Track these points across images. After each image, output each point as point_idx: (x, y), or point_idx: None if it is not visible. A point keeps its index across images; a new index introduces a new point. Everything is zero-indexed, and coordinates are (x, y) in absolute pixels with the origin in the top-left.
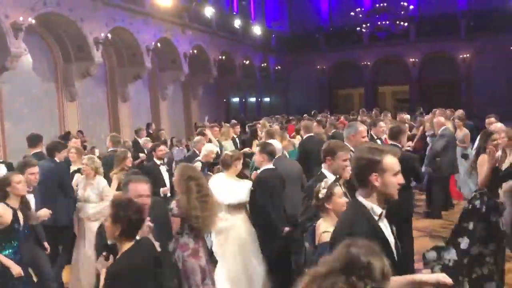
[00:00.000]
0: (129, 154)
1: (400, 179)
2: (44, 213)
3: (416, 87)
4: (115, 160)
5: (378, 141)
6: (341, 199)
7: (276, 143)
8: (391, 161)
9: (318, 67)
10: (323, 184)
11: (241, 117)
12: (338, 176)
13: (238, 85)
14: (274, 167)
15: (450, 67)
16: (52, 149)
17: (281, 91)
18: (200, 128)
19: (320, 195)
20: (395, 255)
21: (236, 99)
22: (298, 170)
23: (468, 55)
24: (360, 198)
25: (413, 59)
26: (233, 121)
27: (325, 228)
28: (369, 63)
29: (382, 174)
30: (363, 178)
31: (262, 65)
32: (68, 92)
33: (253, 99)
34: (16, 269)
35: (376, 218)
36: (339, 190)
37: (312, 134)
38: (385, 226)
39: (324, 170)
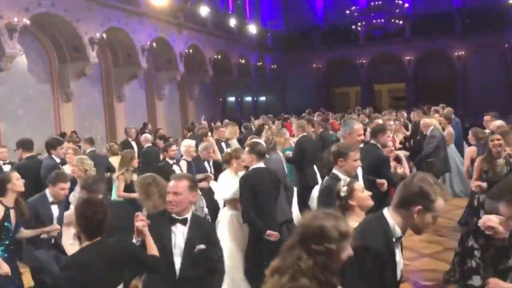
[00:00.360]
0: (136, 155)
1: (431, 220)
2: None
3: (412, 85)
4: (120, 161)
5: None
6: (363, 193)
7: None
8: (441, 205)
9: (314, 65)
10: (342, 182)
11: (237, 116)
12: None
13: (234, 84)
14: (264, 166)
15: (446, 64)
16: (47, 146)
17: (277, 90)
18: (203, 129)
19: (342, 193)
20: (398, 275)
21: (232, 99)
22: (281, 174)
23: (463, 52)
24: (388, 217)
25: (409, 57)
26: (226, 121)
27: (353, 225)
28: (365, 61)
29: (425, 212)
30: (406, 206)
31: (258, 64)
32: (63, 93)
33: (249, 99)
34: (4, 268)
35: (394, 240)
36: (359, 185)
37: (306, 133)
38: (398, 249)
39: (336, 171)
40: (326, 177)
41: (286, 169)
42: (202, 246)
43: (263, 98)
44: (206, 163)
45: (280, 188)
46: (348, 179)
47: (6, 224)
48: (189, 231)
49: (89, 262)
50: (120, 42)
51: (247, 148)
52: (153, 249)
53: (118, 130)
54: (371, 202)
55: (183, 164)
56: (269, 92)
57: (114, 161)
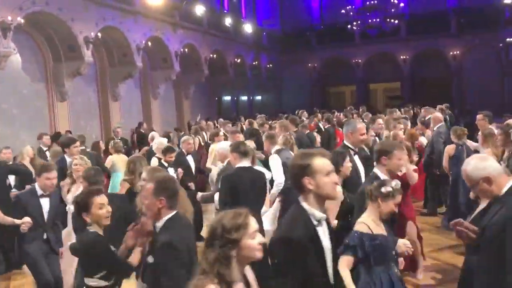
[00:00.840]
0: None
1: (334, 178)
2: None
3: (408, 84)
4: (129, 166)
5: (377, 138)
6: (394, 207)
7: (226, 145)
8: (319, 163)
9: (310, 65)
10: (394, 183)
11: (233, 116)
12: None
13: (230, 83)
14: (249, 165)
15: (441, 63)
16: (62, 146)
17: (273, 90)
18: (213, 130)
19: (383, 189)
20: (327, 259)
21: (228, 98)
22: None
23: (458, 51)
24: (304, 204)
25: (404, 56)
26: (221, 120)
27: (364, 220)
28: (360, 61)
29: (314, 176)
30: (298, 184)
31: (254, 63)
32: (58, 92)
33: (245, 98)
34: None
35: (315, 223)
36: (399, 197)
37: (288, 132)
38: (323, 231)
39: (377, 170)
40: (368, 178)
41: None
42: (150, 260)
43: (259, 98)
44: (189, 157)
45: (265, 190)
46: (399, 183)
47: None
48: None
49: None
50: (115, 41)
51: (230, 147)
52: (135, 258)
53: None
54: (391, 212)
55: (154, 161)
56: (265, 91)
57: (118, 160)
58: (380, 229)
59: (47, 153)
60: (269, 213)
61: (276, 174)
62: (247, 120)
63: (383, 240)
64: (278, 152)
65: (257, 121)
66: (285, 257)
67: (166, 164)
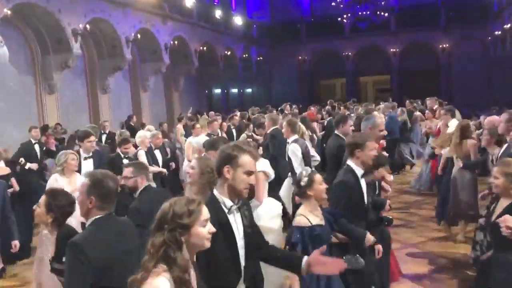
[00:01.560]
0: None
1: (252, 180)
2: None
3: (397, 77)
4: None
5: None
6: (321, 186)
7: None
8: (247, 160)
9: (300, 57)
10: (304, 172)
11: (223, 108)
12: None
13: (220, 76)
14: None
15: (430, 56)
16: (78, 139)
17: (263, 82)
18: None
19: (302, 183)
20: (238, 244)
21: (218, 90)
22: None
23: (447, 44)
24: (215, 192)
25: (394, 49)
26: (212, 113)
27: (302, 212)
28: (350, 54)
29: (235, 168)
30: (219, 170)
31: (244, 55)
32: (46, 85)
33: (235, 90)
34: None
35: (226, 210)
36: (319, 177)
37: (277, 126)
38: (234, 218)
39: (351, 163)
40: (340, 170)
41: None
42: None
43: (249, 90)
44: (157, 151)
45: None
46: (309, 170)
47: None
48: None
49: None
50: (104, 33)
51: (206, 146)
52: None
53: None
54: (325, 196)
55: (141, 153)
56: (255, 83)
57: None
58: (318, 219)
59: (36, 146)
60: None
61: (296, 164)
62: (239, 113)
63: (321, 230)
64: (295, 141)
65: (251, 112)
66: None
67: (122, 156)
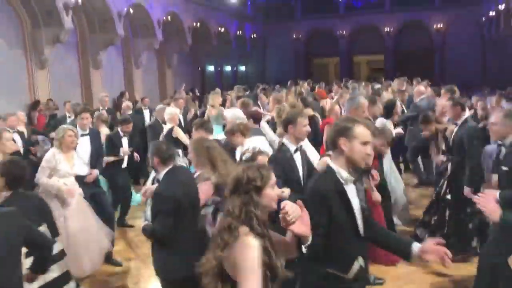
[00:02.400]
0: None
1: (368, 149)
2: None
3: (391, 57)
4: None
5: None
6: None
7: (237, 112)
8: (361, 131)
9: (294, 35)
10: (250, 149)
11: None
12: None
13: (213, 53)
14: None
15: (425, 36)
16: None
17: (257, 60)
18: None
19: (244, 157)
20: (356, 215)
21: (211, 68)
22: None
23: (442, 25)
24: (331, 164)
25: (388, 29)
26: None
27: None
28: (344, 32)
29: (351, 140)
30: (333, 142)
31: (238, 33)
32: (37, 60)
33: (229, 68)
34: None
35: (342, 181)
36: (262, 159)
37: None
38: (351, 189)
39: (285, 139)
40: (276, 148)
41: None
42: None
43: (242, 68)
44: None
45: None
46: (257, 148)
47: None
48: None
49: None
50: (96, 7)
51: (194, 126)
52: None
53: (95, 99)
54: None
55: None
56: (249, 61)
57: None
58: None
59: (16, 136)
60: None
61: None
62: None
63: None
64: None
65: (234, 94)
66: (315, 209)
67: (121, 134)
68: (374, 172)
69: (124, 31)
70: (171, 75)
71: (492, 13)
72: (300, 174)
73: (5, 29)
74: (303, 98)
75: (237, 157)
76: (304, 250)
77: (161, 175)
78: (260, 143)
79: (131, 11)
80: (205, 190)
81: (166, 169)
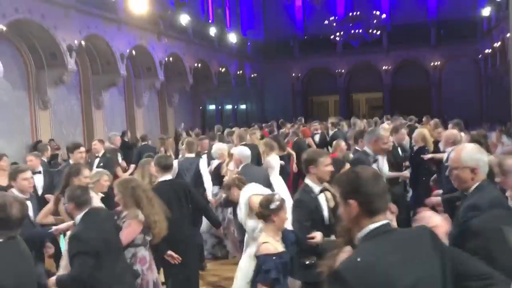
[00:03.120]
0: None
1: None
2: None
3: (389, 94)
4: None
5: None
6: (286, 215)
7: (244, 150)
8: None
9: (293, 74)
10: (277, 196)
11: (230, 125)
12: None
13: (214, 92)
14: (170, 178)
15: (422, 74)
16: (67, 151)
17: (257, 98)
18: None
19: (273, 206)
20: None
21: (212, 107)
22: (265, 177)
23: (438, 62)
24: (306, 180)
25: (386, 67)
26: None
27: (265, 239)
28: (343, 71)
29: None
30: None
31: (238, 72)
32: (40, 100)
33: (229, 107)
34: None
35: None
36: (287, 207)
37: (245, 142)
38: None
39: (308, 180)
40: (299, 189)
41: None
42: None
43: (243, 106)
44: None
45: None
46: (276, 195)
47: None
48: None
49: None
50: (99, 49)
51: (153, 162)
52: None
53: (96, 138)
54: (284, 226)
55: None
56: (249, 100)
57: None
58: (280, 246)
59: None
60: None
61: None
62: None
63: (285, 256)
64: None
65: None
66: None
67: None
68: None
69: (126, 71)
70: (172, 113)
71: (488, 51)
72: (325, 215)
73: (10, 70)
74: (274, 137)
75: (241, 212)
76: None
77: (77, 220)
78: (258, 189)
79: (134, 52)
80: (126, 234)
81: (82, 214)
